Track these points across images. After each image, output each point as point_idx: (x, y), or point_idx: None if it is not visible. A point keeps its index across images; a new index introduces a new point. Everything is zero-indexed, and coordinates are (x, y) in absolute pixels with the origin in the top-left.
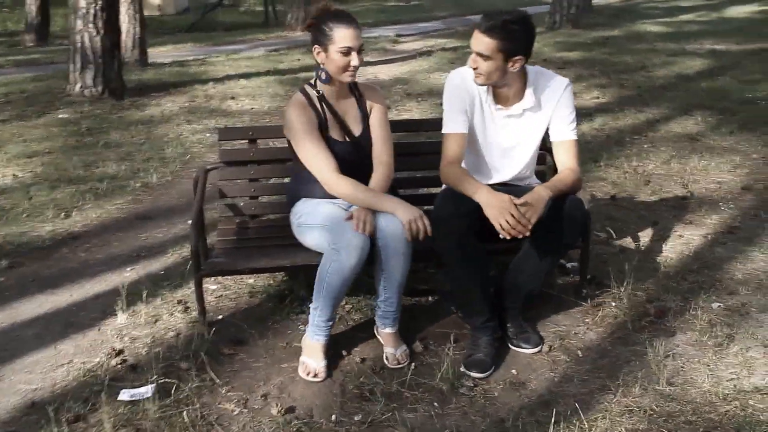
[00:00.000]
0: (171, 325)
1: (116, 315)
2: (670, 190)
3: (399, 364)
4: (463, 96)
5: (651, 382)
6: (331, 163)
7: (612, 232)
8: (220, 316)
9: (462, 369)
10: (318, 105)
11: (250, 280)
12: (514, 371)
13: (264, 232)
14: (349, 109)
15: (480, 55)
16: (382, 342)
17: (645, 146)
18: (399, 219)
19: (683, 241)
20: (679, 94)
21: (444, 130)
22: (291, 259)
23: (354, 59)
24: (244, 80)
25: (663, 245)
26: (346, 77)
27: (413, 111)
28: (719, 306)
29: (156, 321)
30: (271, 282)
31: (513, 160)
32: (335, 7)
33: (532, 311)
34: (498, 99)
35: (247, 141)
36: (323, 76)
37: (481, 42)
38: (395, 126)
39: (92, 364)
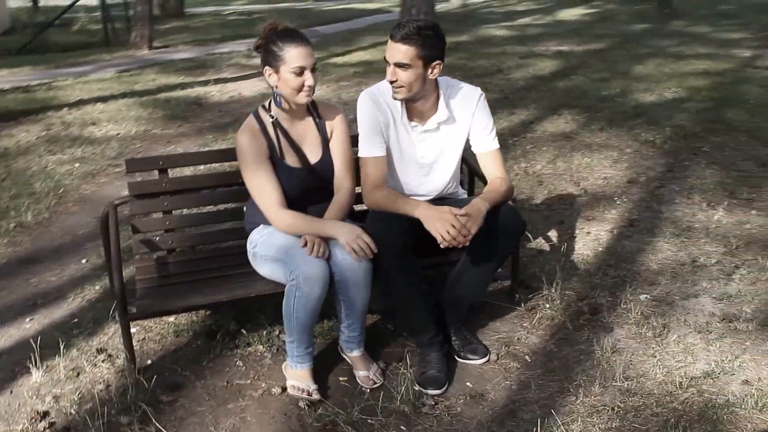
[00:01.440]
0: (97, 377)
1: (30, 373)
2: (563, 188)
3: (375, 384)
4: (376, 117)
5: (607, 379)
6: (275, 197)
7: (529, 235)
8: (149, 361)
9: (417, 387)
10: (272, 131)
11: (171, 318)
12: (469, 384)
13: (186, 267)
14: (306, 134)
15: (399, 65)
16: (352, 365)
17: (527, 147)
18: (341, 243)
19: (592, 237)
20: (542, 94)
21: (361, 154)
22: (228, 293)
23: (309, 78)
24: (101, 104)
25: (575, 243)
26: (302, 98)
27: None
28: (647, 297)
29: (78, 374)
30: (195, 318)
31: (435, 175)
32: (283, 25)
33: (469, 321)
34: (413, 115)
35: (157, 171)
36: (278, 99)
37: (399, 51)
38: None
39: None
